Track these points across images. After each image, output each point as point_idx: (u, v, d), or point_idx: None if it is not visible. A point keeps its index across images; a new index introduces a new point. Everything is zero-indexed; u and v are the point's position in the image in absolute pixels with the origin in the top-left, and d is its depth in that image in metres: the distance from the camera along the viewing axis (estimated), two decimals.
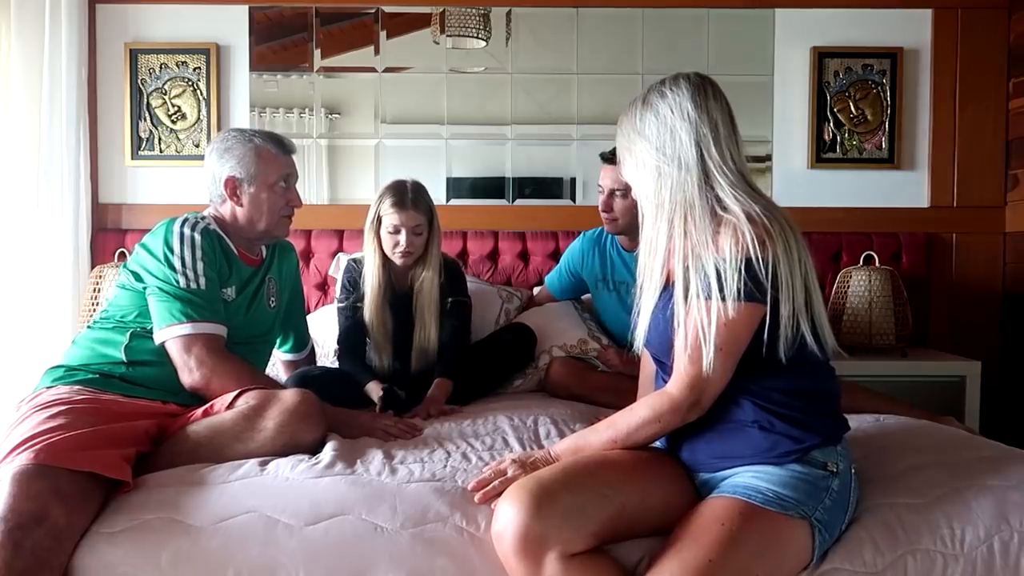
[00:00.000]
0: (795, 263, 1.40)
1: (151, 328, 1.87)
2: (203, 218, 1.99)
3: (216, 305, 1.90)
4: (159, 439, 1.71)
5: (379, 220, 2.39)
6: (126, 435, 1.62)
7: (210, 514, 1.45)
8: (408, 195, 2.37)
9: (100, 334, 1.90)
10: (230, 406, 1.73)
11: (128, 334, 1.87)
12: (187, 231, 1.91)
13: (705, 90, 1.50)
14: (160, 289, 1.86)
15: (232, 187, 2.01)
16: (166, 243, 1.89)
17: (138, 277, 1.90)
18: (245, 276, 2.04)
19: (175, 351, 1.83)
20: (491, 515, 1.40)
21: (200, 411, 1.76)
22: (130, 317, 1.90)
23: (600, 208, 2.54)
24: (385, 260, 2.42)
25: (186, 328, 1.83)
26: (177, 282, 1.86)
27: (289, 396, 1.73)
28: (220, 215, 2.05)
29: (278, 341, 2.34)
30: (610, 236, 2.67)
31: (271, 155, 2.03)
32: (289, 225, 2.11)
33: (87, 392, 1.75)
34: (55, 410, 1.62)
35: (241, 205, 2.02)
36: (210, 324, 1.86)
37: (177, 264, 1.87)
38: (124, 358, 1.85)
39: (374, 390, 2.27)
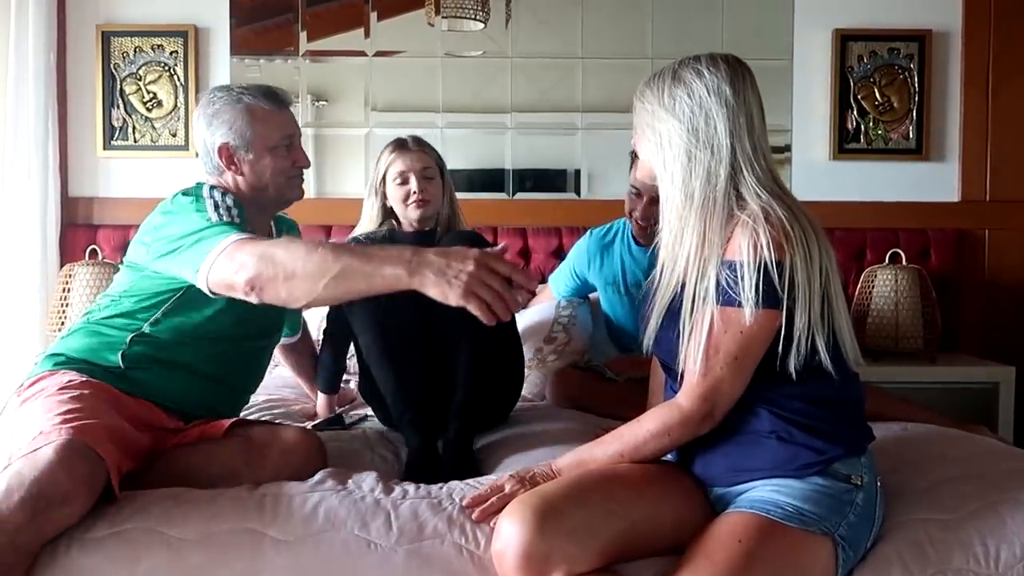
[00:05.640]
0: (815, 271, 1.39)
1: (155, 326, 1.80)
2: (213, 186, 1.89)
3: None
4: (151, 456, 1.68)
5: (384, 179, 2.24)
6: (129, 446, 1.61)
7: (193, 526, 1.45)
8: (409, 140, 2.26)
9: (100, 330, 1.82)
10: (227, 434, 1.71)
11: (129, 338, 1.80)
12: (216, 193, 1.81)
13: (744, 76, 1.48)
14: (190, 235, 1.67)
15: (228, 156, 1.89)
16: (196, 197, 1.79)
17: (159, 251, 1.73)
18: None
19: (218, 277, 1.60)
20: (492, 532, 1.40)
21: (196, 432, 1.74)
22: (138, 308, 1.80)
23: (638, 216, 2.45)
24: (391, 232, 2.23)
25: (222, 244, 1.61)
26: (209, 219, 1.71)
27: (291, 437, 1.71)
28: (223, 185, 1.93)
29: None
30: (620, 232, 2.64)
31: (266, 114, 1.90)
32: (301, 184, 1.99)
33: (94, 383, 1.71)
34: (72, 393, 1.61)
35: (242, 174, 1.90)
36: (245, 232, 1.69)
37: (209, 205, 1.76)
38: (121, 365, 1.78)
39: (321, 408, 2.26)
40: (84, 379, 1.71)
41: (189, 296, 1.79)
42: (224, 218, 1.72)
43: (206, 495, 1.54)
